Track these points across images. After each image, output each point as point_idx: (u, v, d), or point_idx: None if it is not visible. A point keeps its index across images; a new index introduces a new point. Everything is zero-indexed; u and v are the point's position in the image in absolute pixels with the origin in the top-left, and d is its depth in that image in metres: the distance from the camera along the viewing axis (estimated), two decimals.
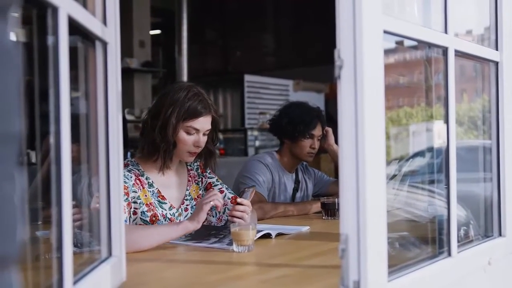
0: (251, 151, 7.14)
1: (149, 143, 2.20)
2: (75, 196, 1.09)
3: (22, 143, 0.63)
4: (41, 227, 1.26)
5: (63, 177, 1.01)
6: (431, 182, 1.88)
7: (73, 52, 1.08)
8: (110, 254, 1.38)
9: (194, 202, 2.34)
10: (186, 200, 2.33)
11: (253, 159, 3.07)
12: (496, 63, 1.82)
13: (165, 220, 2.20)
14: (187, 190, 2.34)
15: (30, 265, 1.11)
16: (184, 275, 1.67)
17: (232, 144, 7.34)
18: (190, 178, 2.37)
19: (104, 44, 1.36)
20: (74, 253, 1.06)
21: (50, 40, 1.01)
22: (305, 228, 2.35)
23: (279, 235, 2.18)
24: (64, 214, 1.02)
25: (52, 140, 1.00)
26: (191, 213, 2.29)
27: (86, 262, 1.31)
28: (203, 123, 2.21)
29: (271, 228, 2.19)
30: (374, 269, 1.18)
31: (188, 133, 2.19)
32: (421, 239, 1.68)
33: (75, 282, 1.08)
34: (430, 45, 1.57)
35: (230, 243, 1.91)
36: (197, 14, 8.85)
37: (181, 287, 1.53)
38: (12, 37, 0.60)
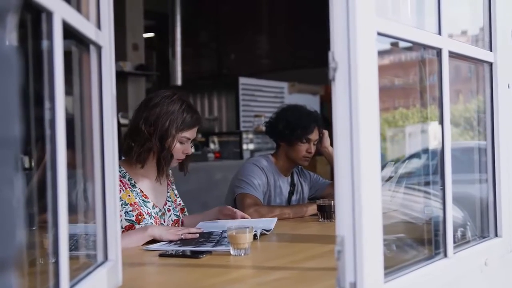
0: (246, 154, 7.12)
1: (145, 151, 2.25)
2: (70, 201, 1.08)
3: (20, 148, 0.64)
4: (36, 232, 1.26)
5: (58, 182, 1.01)
6: (427, 183, 1.88)
7: (67, 56, 1.08)
8: (106, 258, 1.38)
9: (174, 205, 2.44)
10: (168, 201, 2.42)
11: (248, 163, 3.06)
12: (490, 64, 1.83)
13: (150, 218, 2.26)
14: (168, 192, 2.44)
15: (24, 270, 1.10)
16: (181, 279, 1.66)
17: (227, 147, 7.31)
18: (169, 183, 2.48)
19: (99, 48, 1.35)
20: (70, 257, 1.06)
21: (44, 44, 1.01)
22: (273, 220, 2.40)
23: (263, 234, 2.19)
24: (60, 219, 1.01)
25: (47, 144, 1.00)
26: (174, 214, 2.41)
27: (82, 266, 1.31)
28: (195, 132, 2.34)
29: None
30: (370, 270, 1.18)
31: (181, 142, 2.29)
32: (417, 240, 1.68)
33: (71, 287, 1.08)
34: (424, 47, 1.57)
35: (229, 245, 1.90)
36: (191, 16, 8.85)
37: None
38: (11, 42, 0.60)
